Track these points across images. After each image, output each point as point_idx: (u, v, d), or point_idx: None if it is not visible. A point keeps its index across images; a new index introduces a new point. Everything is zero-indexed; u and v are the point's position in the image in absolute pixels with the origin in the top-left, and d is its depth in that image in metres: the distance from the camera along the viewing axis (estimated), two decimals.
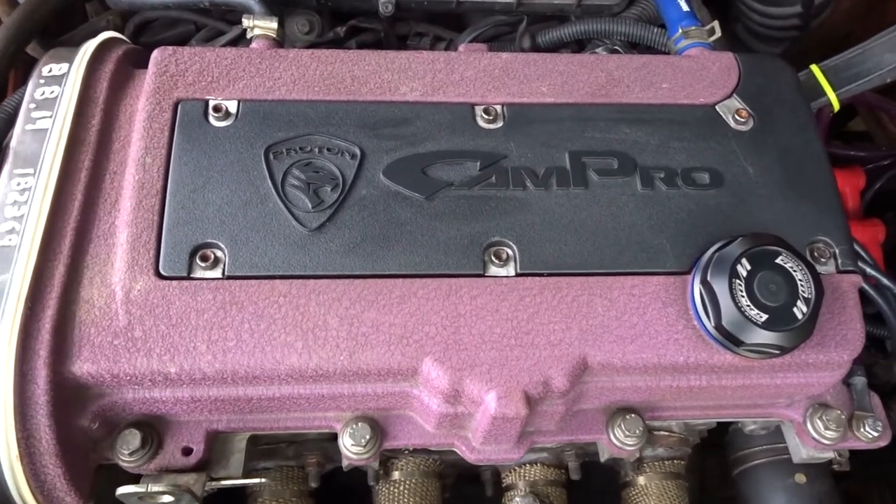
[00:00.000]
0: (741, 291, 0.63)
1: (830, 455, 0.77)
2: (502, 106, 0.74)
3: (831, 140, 1.20)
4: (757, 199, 0.72)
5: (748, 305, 0.63)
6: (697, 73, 0.78)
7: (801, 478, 0.91)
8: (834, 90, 0.90)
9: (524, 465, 0.86)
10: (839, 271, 0.70)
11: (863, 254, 0.82)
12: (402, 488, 0.82)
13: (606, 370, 0.66)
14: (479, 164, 0.70)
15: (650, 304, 0.67)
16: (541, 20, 1.00)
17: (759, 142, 0.74)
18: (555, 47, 0.97)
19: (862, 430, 0.73)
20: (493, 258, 0.67)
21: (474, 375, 0.63)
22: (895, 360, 1.09)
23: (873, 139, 1.37)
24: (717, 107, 0.76)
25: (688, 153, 0.73)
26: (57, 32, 1.03)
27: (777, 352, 0.63)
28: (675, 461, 0.88)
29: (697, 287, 0.65)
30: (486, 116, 0.73)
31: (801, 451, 0.76)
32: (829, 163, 0.74)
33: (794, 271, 0.64)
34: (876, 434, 0.72)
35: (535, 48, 0.96)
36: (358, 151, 0.70)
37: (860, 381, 0.75)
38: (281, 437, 0.79)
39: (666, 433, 0.86)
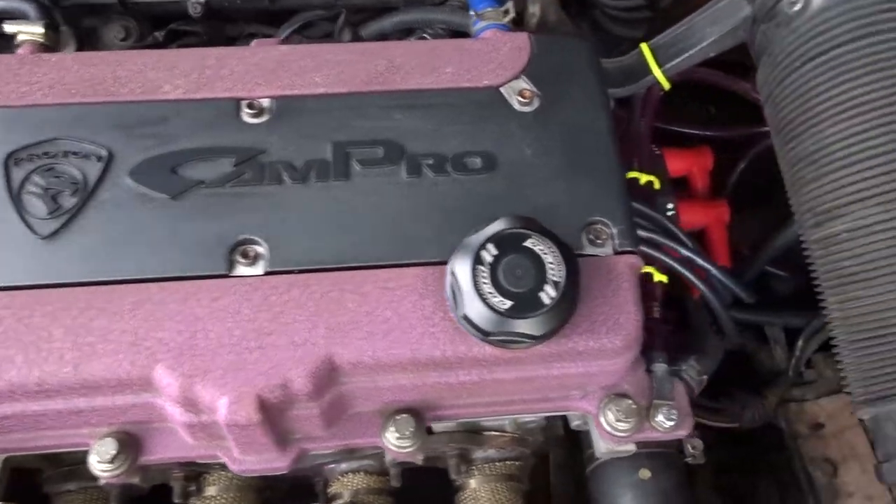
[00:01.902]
0: (485, 279, 0.59)
1: (630, 447, 0.73)
2: (270, 99, 0.71)
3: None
4: (532, 182, 0.68)
5: (491, 293, 0.59)
6: (486, 55, 0.75)
7: (645, 473, 0.87)
8: (660, 67, 0.87)
9: (347, 473, 0.82)
10: (616, 252, 0.66)
11: (679, 234, 0.78)
12: None
13: (359, 369, 0.62)
14: (233, 160, 0.67)
15: (405, 296, 0.63)
16: (365, 12, 0.97)
17: (541, 122, 0.71)
18: (379, 40, 0.94)
19: (657, 419, 0.68)
20: (239, 257, 0.64)
21: (207, 382, 0.59)
22: (777, 347, 1.06)
23: None
24: (502, 88, 0.73)
25: (462, 137, 0.70)
26: None
27: (527, 340, 0.59)
28: (508, 462, 0.84)
29: (448, 276, 0.62)
30: (249, 111, 0.70)
31: (600, 445, 0.72)
32: (614, 141, 0.71)
33: (545, 254, 0.60)
34: (671, 423, 0.68)
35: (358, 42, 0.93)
36: (105, 153, 0.67)
37: (661, 368, 0.71)
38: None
39: (497, 433, 0.83)
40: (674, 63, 0.86)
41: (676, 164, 0.95)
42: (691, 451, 0.81)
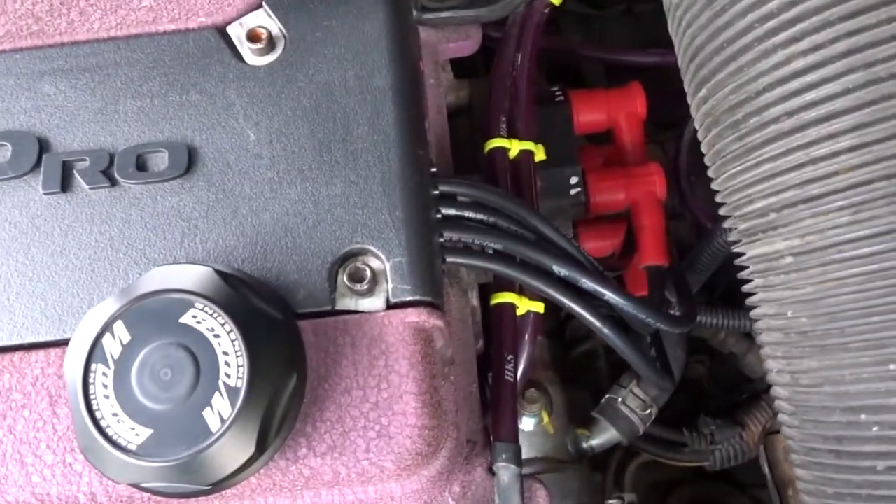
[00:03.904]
0: (106, 390, 0.33)
1: None
2: None
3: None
4: (253, 187, 0.40)
5: (115, 416, 0.33)
6: None
7: None
8: None
9: None
10: (390, 305, 0.39)
11: (556, 238, 0.49)
12: None
13: None
14: None
15: (26, 404, 0.38)
16: None
17: (280, 81, 0.43)
18: None
19: None
20: None
21: None
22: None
23: None
24: (229, 28, 0.45)
25: (144, 119, 0.42)
26: None
27: (186, 491, 0.34)
28: None
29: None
30: None
31: None
32: (405, 109, 0.42)
33: (216, 336, 0.33)
34: None
35: None
36: None
37: (508, 472, 0.44)
38: None
39: None
40: None
41: (591, 112, 0.65)
42: None
